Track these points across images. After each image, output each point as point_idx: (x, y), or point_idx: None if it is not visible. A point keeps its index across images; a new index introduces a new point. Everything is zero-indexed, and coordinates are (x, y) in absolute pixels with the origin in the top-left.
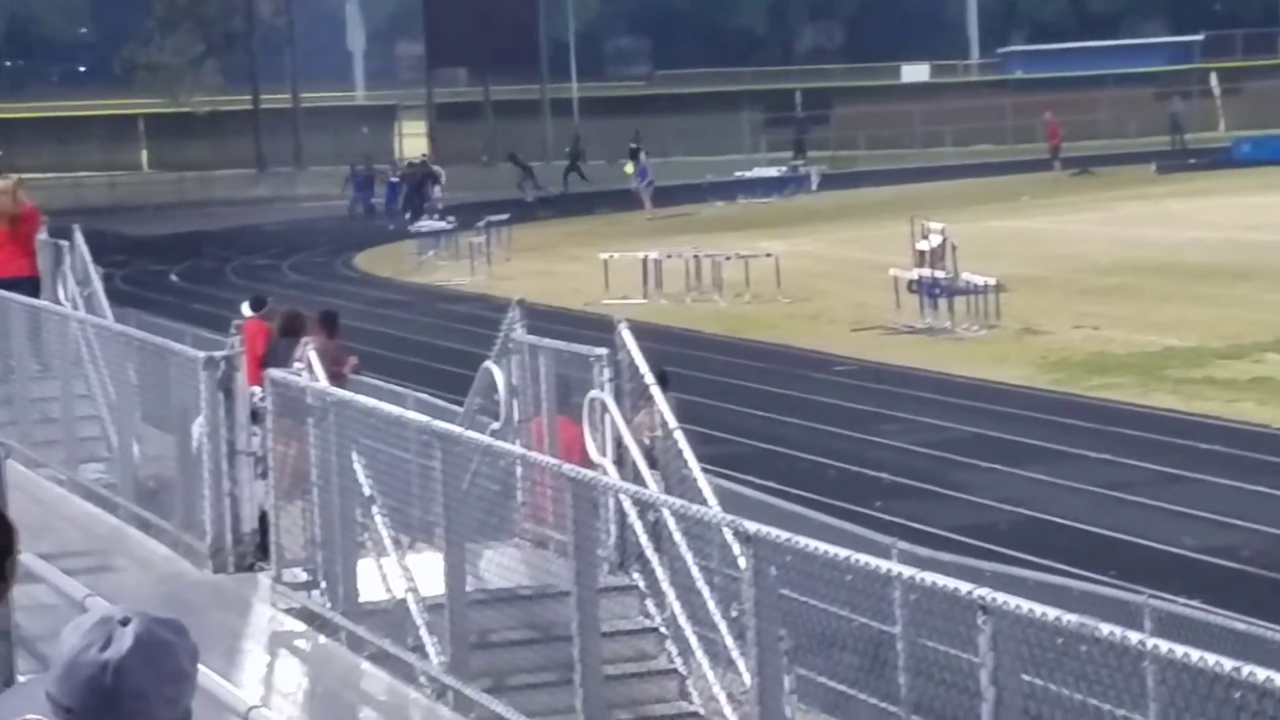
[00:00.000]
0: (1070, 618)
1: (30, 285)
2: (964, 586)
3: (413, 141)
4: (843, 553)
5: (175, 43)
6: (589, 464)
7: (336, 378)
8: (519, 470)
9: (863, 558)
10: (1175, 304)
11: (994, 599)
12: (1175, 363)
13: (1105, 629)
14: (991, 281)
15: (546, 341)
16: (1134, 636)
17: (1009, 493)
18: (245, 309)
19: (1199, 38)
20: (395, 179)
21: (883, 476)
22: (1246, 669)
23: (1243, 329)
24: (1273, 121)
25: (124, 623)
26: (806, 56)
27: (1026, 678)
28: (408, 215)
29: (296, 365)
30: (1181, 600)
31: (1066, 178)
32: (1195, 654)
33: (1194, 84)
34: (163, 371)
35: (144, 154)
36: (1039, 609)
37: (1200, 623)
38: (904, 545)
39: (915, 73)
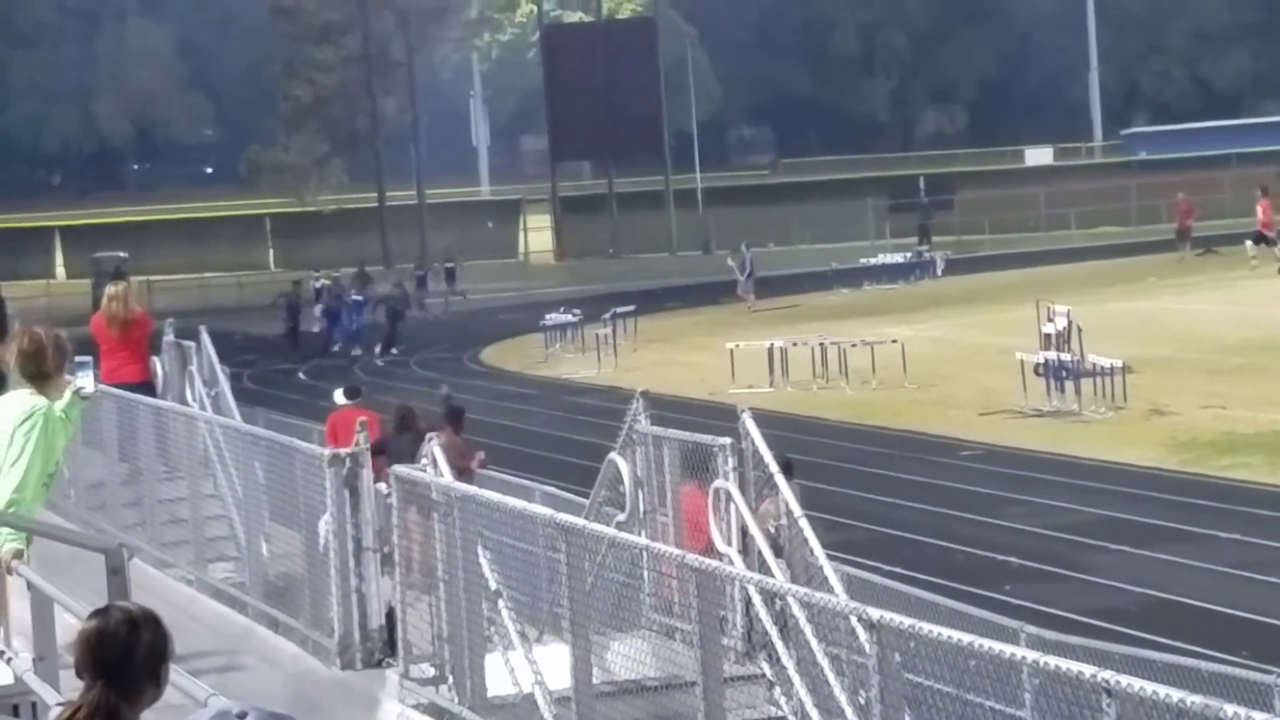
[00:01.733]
0: (1195, 699)
1: (145, 390)
2: (1088, 669)
3: (538, 235)
4: (967, 638)
5: (300, 142)
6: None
7: (464, 473)
8: (645, 560)
9: (987, 642)
10: None
11: (1117, 681)
12: None
13: (1230, 710)
14: (1118, 363)
15: (671, 432)
16: (1260, 716)
17: (1138, 574)
18: (339, 397)
19: None
20: (359, 297)
21: (1011, 560)
22: None
23: None
24: None
25: (241, 716)
26: (929, 141)
27: None
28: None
29: (423, 462)
30: None
31: (1192, 258)
32: None
33: None
34: (289, 470)
35: (270, 253)
36: (1163, 690)
37: None
38: (1032, 629)
39: (1039, 156)
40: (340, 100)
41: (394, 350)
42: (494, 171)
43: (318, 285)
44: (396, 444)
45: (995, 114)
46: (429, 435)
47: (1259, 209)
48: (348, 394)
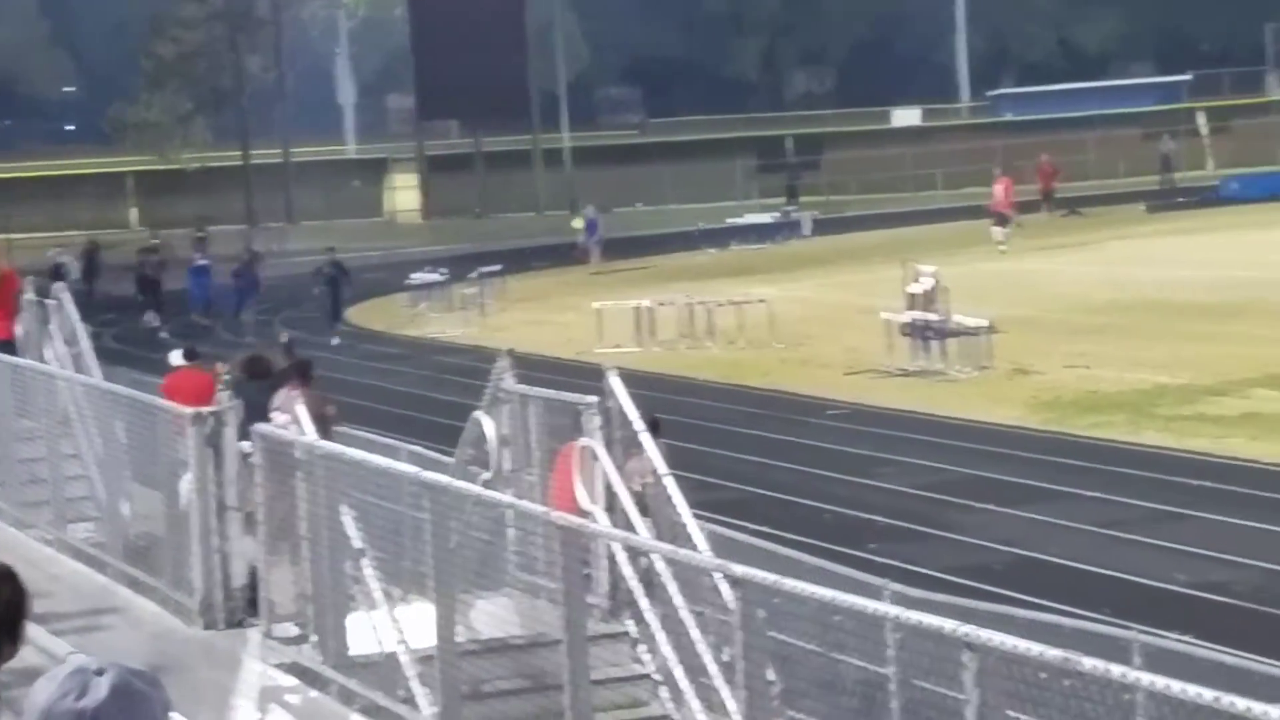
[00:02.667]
0: (1054, 653)
1: (7, 348)
2: (949, 624)
3: (405, 194)
4: (830, 594)
5: (164, 100)
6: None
7: (321, 420)
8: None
9: (850, 598)
10: (1165, 342)
11: (978, 636)
12: (1166, 400)
13: (1088, 663)
14: (983, 323)
15: (536, 391)
16: (1116, 669)
17: (1003, 533)
18: (175, 358)
19: (1186, 78)
20: (203, 260)
21: (876, 519)
22: (1227, 699)
23: (1232, 366)
24: (1260, 159)
25: (99, 673)
26: (798, 102)
27: (1013, 714)
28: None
29: (277, 414)
30: (1173, 636)
31: (1057, 219)
32: (1176, 685)
33: (1182, 124)
34: (151, 429)
35: (133, 212)
36: (1023, 644)
37: (1189, 657)
38: (896, 587)
39: (906, 117)
40: (205, 58)
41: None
42: (360, 130)
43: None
44: (246, 391)
45: (863, 75)
46: (286, 390)
47: (998, 188)
48: (185, 355)
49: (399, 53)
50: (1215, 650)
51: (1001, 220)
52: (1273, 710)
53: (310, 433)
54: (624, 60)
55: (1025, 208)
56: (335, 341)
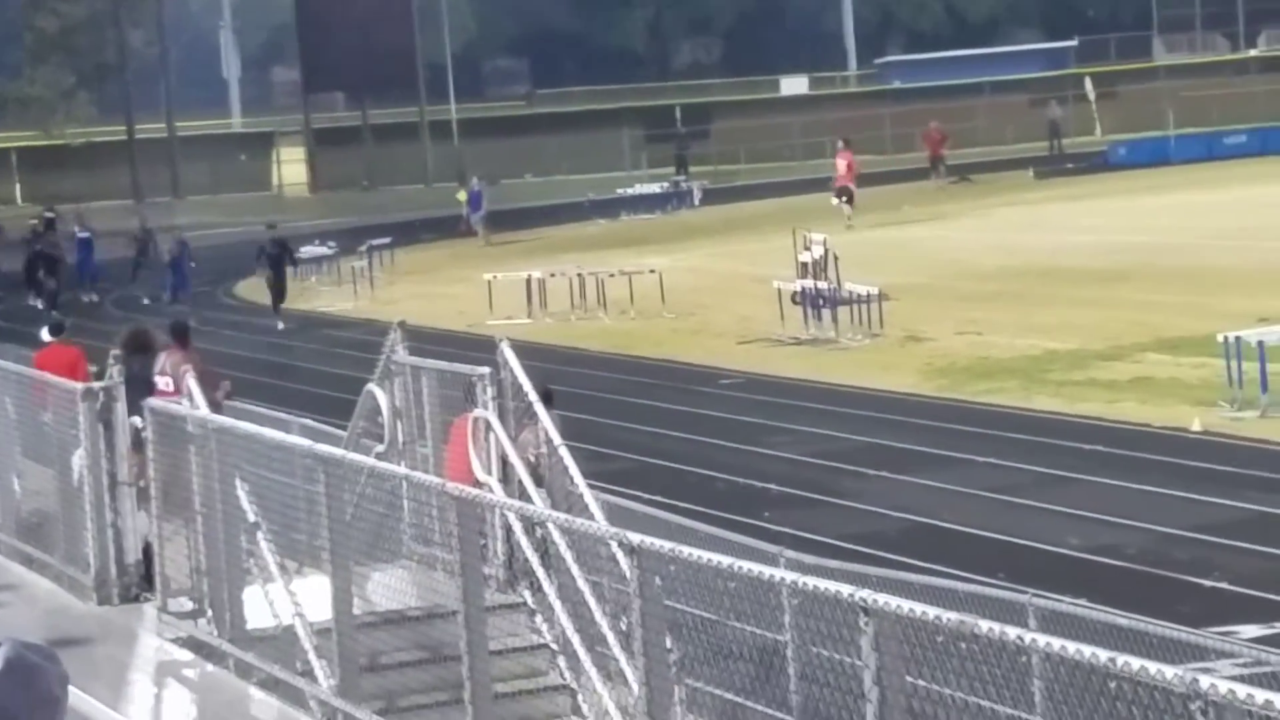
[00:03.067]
0: (950, 616)
1: None
2: (846, 589)
3: (292, 168)
4: (726, 560)
5: (46, 75)
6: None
7: (202, 377)
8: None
9: (746, 564)
10: (1056, 308)
11: (874, 600)
12: (1057, 365)
13: (984, 625)
14: (874, 291)
15: (429, 362)
16: (1012, 631)
17: (897, 499)
18: (44, 334)
19: (1073, 44)
20: (84, 234)
21: (771, 487)
22: (1121, 659)
23: (1122, 330)
24: (1147, 124)
25: None
26: (685, 72)
27: (911, 679)
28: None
29: (160, 378)
30: (1067, 599)
31: (947, 186)
32: (1072, 646)
33: (1069, 89)
34: (41, 404)
35: (17, 187)
36: (919, 608)
37: (1082, 619)
38: (791, 554)
39: (794, 85)
40: (87, 31)
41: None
42: (246, 103)
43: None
44: (130, 366)
45: (751, 44)
46: (167, 357)
47: (840, 161)
48: (52, 330)
49: (284, 25)
50: (1108, 612)
51: (846, 194)
52: (1167, 670)
53: (200, 401)
54: (511, 31)
55: (915, 175)
56: (281, 326)
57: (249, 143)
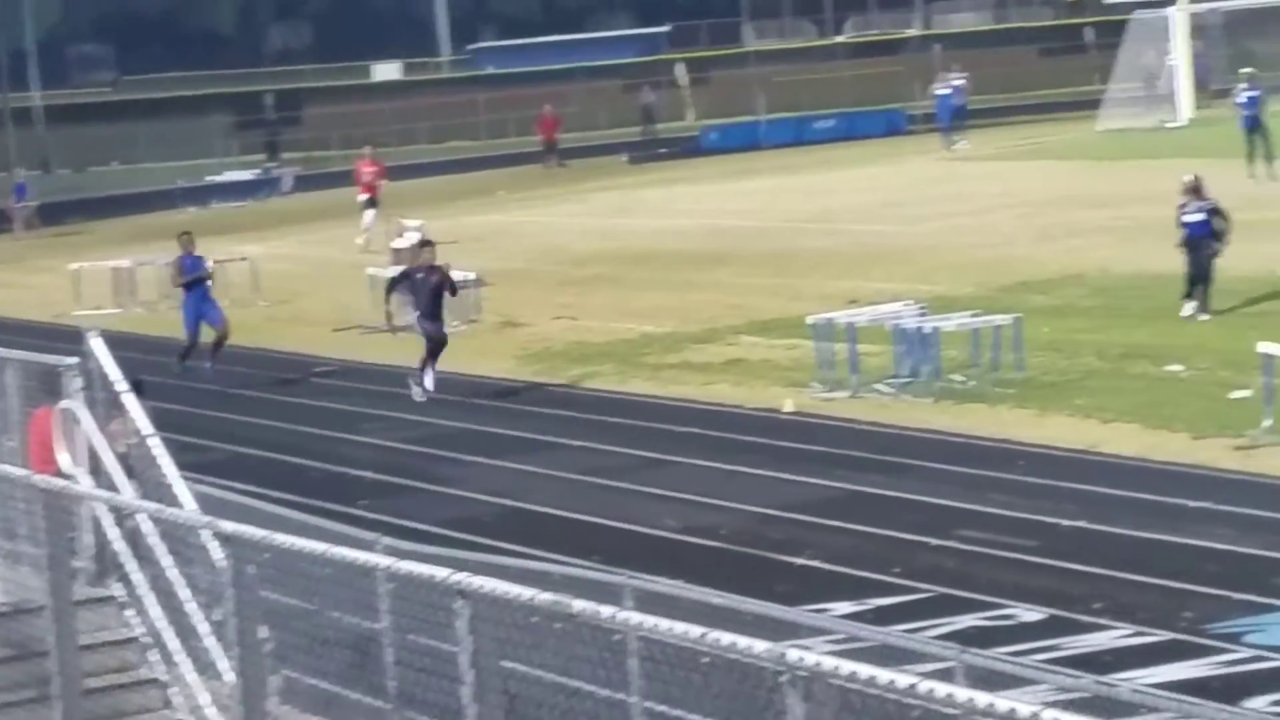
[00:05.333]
0: (545, 596)
1: None
2: (441, 572)
3: None
4: (320, 546)
5: None
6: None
7: None
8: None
9: (341, 550)
10: (652, 292)
11: (469, 582)
12: (652, 349)
13: (578, 605)
14: (471, 276)
15: (13, 353)
16: (606, 610)
17: (492, 484)
18: None
19: (665, 29)
20: None
21: (366, 475)
22: (712, 635)
23: (717, 313)
24: (738, 109)
25: None
26: (276, 57)
27: (508, 663)
28: None
29: None
30: (664, 580)
31: (553, 169)
32: (665, 623)
33: (662, 75)
34: None
35: None
36: (514, 590)
37: (679, 599)
38: (388, 540)
39: (386, 71)
40: None
41: None
42: None
43: None
44: None
45: (342, 30)
46: None
47: (362, 169)
48: None
49: None
50: (704, 591)
51: (371, 204)
52: (756, 644)
53: None
54: (96, 16)
55: (510, 160)
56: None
57: None
